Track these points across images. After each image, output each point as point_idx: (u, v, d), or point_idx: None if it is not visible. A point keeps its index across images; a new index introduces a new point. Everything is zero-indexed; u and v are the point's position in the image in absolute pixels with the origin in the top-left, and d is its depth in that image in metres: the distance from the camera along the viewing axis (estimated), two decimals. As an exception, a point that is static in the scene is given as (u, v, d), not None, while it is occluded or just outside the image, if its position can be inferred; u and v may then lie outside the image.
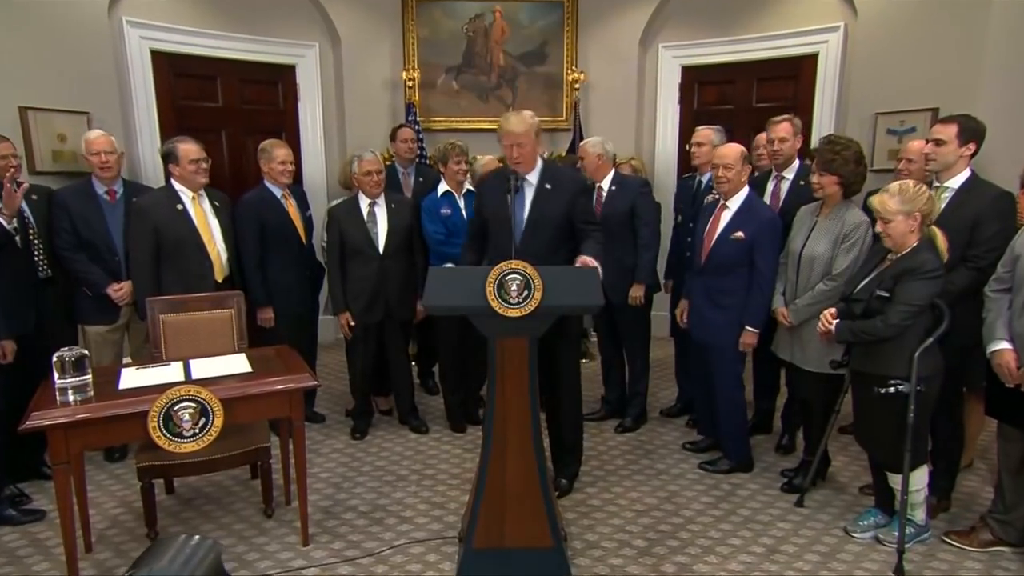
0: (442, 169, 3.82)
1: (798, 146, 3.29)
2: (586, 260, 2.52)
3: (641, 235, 3.49)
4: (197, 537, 1.07)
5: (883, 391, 2.42)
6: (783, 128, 3.26)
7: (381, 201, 3.52)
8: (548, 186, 2.86)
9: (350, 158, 3.75)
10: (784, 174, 3.32)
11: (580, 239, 2.84)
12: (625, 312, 3.56)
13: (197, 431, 2.19)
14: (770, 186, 3.36)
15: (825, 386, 2.87)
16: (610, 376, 3.89)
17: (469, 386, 3.84)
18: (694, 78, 5.30)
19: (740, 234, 2.97)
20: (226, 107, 4.86)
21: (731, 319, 3.05)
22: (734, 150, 3.01)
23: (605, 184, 3.56)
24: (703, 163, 3.63)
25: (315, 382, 2.52)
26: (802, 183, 3.19)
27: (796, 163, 3.31)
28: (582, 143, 3.75)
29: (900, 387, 2.39)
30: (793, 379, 3.14)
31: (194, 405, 2.17)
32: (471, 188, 3.76)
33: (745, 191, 3.04)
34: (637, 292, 3.50)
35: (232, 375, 2.44)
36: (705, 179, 3.62)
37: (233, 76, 4.85)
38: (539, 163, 2.89)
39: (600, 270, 2.45)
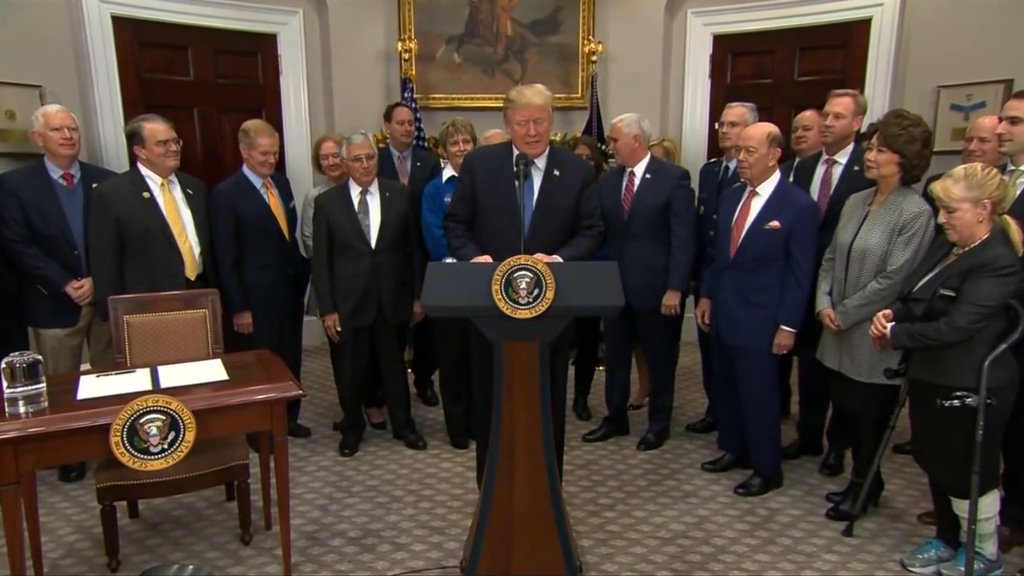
0: (442, 152, 3.80)
1: (856, 127, 3.24)
2: (542, 256, 2.35)
3: (677, 235, 3.44)
4: (191, 567, 1.07)
5: (947, 404, 2.39)
6: (842, 103, 3.22)
7: (374, 189, 3.51)
8: (556, 172, 2.84)
9: (322, 137, 3.73)
10: (836, 158, 3.28)
11: (573, 235, 2.85)
12: (649, 316, 3.54)
13: (166, 447, 2.18)
14: (819, 171, 3.32)
15: (878, 398, 2.84)
16: (614, 382, 3.81)
17: (472, 396, 3.83)
18: (727, 48, 5.27)
19: (775, 223, 2.96)
20: (198, 81, 4.86)
21: (766, 319, 3.04)
22: (759, 131, 3.00)
23: (639, 170, 3.51)
24: (734, 145, 3.59)
25: (299, 391, 2.51)
26: (856, 168, 3.15)
27: (851, 146, 3.26)
28: (615, 121, 3.61)
29: (967, 400, 2.36)
30: (841, 391, 3.11)
31: (163, 417, 2.16)
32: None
33: (777, 176, 3.04)
34: (671, 300, 3.46)
35: (206, 383, 2.43)
36: (732, 165, 3.58)
37: (206, 46, 4.85)
38: (547, 145, 2.87)
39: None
